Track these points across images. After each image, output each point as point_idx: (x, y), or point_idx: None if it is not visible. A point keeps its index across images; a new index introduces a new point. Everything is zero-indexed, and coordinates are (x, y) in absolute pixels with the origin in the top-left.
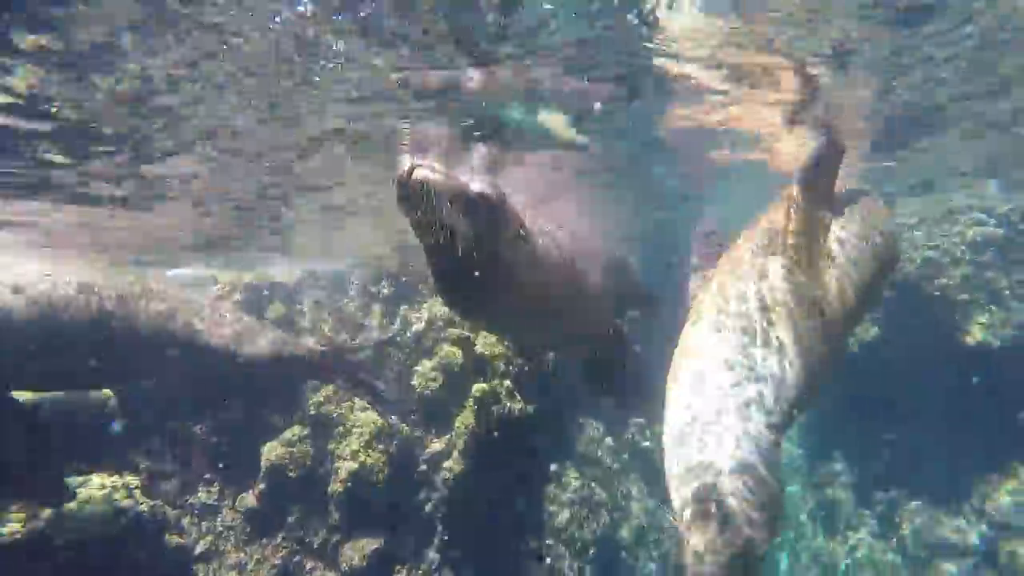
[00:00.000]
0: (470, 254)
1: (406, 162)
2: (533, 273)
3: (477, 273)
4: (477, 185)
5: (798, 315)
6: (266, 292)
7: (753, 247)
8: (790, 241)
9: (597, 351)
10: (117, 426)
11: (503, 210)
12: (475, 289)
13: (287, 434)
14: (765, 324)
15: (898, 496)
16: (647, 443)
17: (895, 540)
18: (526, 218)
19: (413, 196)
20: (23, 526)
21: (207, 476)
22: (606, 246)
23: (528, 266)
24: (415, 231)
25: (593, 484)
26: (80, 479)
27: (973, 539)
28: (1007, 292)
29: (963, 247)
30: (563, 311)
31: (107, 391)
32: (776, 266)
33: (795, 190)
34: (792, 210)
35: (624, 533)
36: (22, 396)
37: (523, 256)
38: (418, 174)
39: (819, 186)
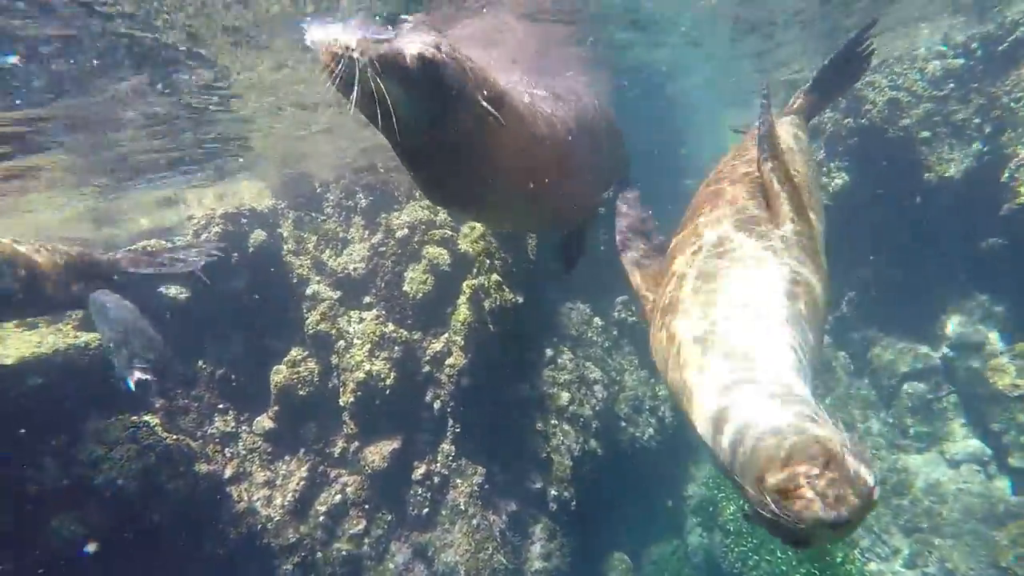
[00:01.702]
0: (423, 132)
1: (323, 32)
2: (514, 151)
3: (442, 154)
4: (415, 46)
5: (813, 269)
6: (244, 220)
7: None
8: (785, 209)
9: (578, 227)
10: None
11: (454, 75)
12: (445, 173)
13: (290, 356)
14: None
15: (869, 333)
16: (633, 318)
17: (869, 373)
18: (500, 81)
19: (336, 70)
20: (63, 471)
21: (220, 407)
22: (603, 110)
23: (507, 143)
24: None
25: (587, 363)
26: (104, 423)
27: (936, 361)
28: (966, 123)
29: (923, 83)
30: (552, 193)
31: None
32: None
33: (766, 168)
34: (776, 184)
35: (622, 406)
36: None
37: (497, 131)
38: (341, 41)
39: (778, 146)
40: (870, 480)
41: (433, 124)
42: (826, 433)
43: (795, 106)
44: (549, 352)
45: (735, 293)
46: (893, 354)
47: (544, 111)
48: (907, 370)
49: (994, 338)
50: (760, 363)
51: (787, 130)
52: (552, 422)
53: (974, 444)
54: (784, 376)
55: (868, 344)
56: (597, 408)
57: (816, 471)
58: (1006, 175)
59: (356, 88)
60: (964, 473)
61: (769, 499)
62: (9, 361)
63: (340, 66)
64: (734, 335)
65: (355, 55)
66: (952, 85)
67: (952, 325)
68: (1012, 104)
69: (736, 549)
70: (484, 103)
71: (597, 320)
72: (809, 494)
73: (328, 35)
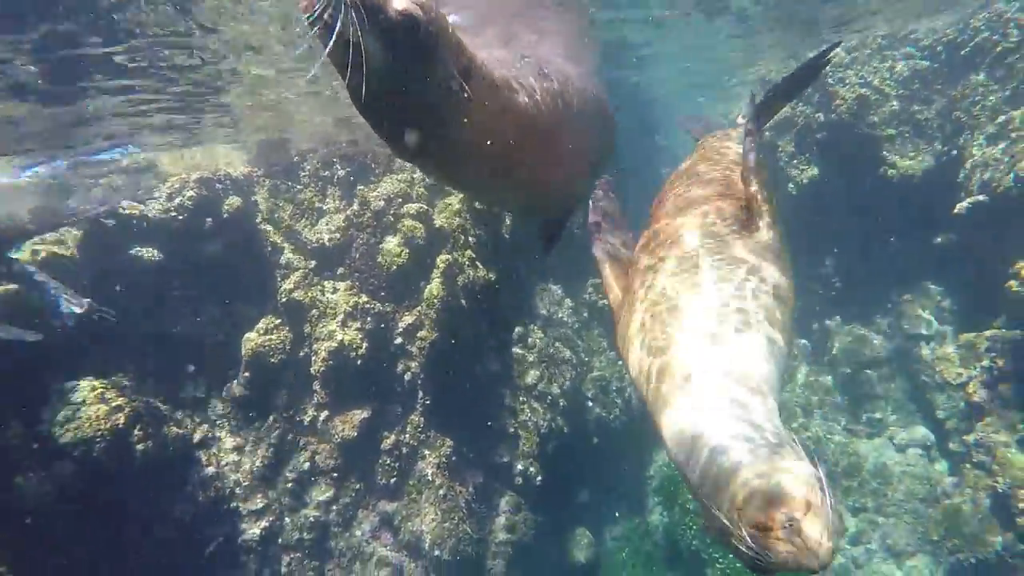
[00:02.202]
0: (389, 92)
1: None
2: (482, 124)
3: (405, 117)
4: (400, 1)
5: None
6: (219, 186)
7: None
8: (767, 218)
9: (561, 213)
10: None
11: (433, 37)
12: (406, 135)
13: (263, 323)
14: (775, 313)
15: (830, 322)
16: (603, 302)
17: (828, 362)
18: (477, 51)
19: (317, 10)
20: (25, 430)
21: (191, 371)
22: (595, 95)
23: (475, 116)
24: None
25: (557, 343)
26: (69, 384)
27: (890, 351)
28: (928, 123)
29: (892, 82)
30: (529, 174)
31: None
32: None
33: (752, 179)
34: (761, 194)
35: (589, 386)
36: None
37: (463, 102)
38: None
39: (763, 159)
40: (840, 534)
41: (400, 85)
42: (807, 478)
43: (744, 121)
44: (520, 330)
45: (711, 300)
46: (851, 343)
47: (526, 85)
48: (862, 359)
49: (944, 330)
50: (740, 382)
51: (737, 143)
52: (520, 399)
53: (920, 430)
54: (762, 400)
55: (828, 333)
56: (565, 387)
57: (798, 516)
58: (961, 175)
59: (334, 33)
60: (909, 457)
61: (745, 532)
62: None
63: (322, 6)
64: (712, 346)
65: None
66: (917, 85)
67: (907, 317)
68: (969, 107)
69: (695, 527)
70: (456, 73)
71: (568, 301)
72: (787, 539)
73: None
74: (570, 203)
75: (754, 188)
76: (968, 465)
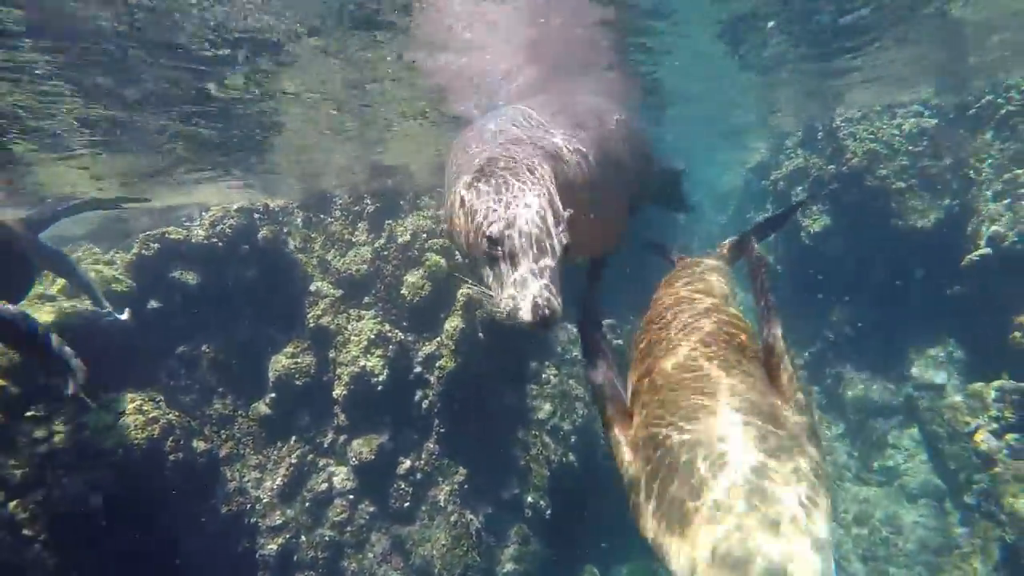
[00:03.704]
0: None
1: (526, 301)
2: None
3: None
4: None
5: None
6: (257, 216)
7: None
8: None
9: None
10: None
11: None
12: None
13: (290, 347)
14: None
15: (842, 370)
16: (618, 341)
17: (838, 409)
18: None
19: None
20: (72, 435)
21: (220, 390)
22: (631, 132)
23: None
24: None
25: (571, 380)
26: (113, 395)
27: (901, 400)
28: (937, 178)
29: (901, 138)
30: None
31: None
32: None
33: (781, 345)
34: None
35: (600, 424)
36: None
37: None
38: (554, 312)
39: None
40: None
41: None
42: None
43: (722, 252)
44: (534, 366)
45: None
46: (862, 391)
47: (572, 160)
48: (874, 407)
49: (954, 380)
50: None
51: (721, 275)
52: (533, 432)
53: (932, 480)
54: None
55: (840, 381)
56: (577, 424)
57: None
58: (969, 229)
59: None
60: (921, 507)
61: None
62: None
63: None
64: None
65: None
66: (926, 142)
67: (917, 366)
68: (977, 164)
69: None
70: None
71: None
72: None
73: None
74: (615, 241)
75: (783, 356)
76: (977, 515)
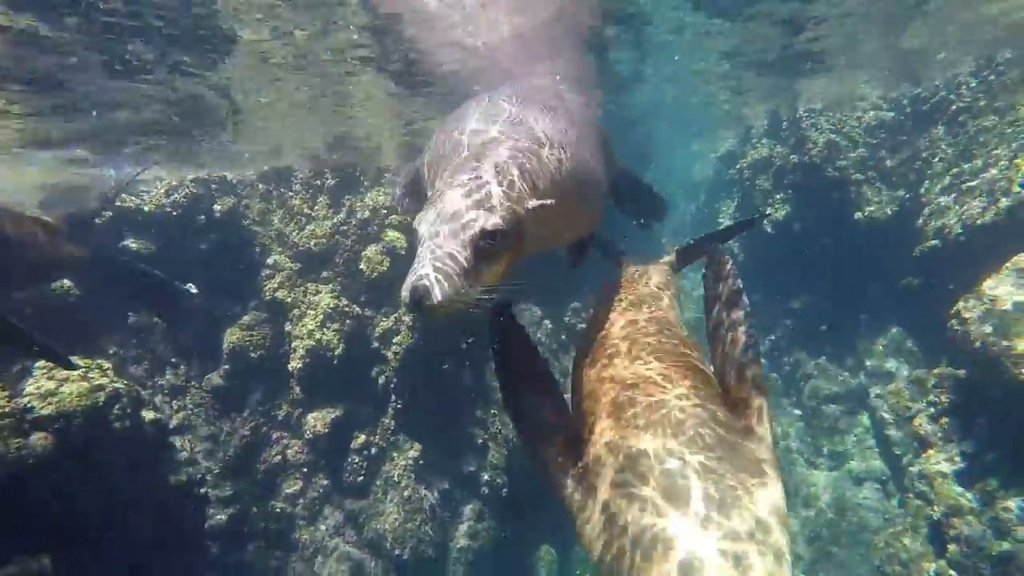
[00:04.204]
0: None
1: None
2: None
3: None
4: (485, 221)
5: None
6: (214, 186)
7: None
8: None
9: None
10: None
11: (514, 222)
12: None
13: (246, 319)
14: None
15: (799, 357)
16: (583, 325)
17: (795, 395)
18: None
19: (433, 317)
20: (7, 402)
21: (173, 360)
22: (589, 110)
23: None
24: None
25: None
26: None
27: (852, 387)
28: (893, 170)
29: (860, 130)
30: (565, 221)
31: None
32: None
33: (754, 376)
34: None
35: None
36: None
37: (547, 207)
38: (431, 299)
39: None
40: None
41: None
42: None
43: (668, 259)
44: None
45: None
46: (818, 378)
47: (555, 152)
48: (826, 393)
49: (903, 368)
50: None
51: (668, 288)
52: (492, 411)
53: (877, 464)
54: None
55: (796, 368)
56: None
57: None
58: (919, 221)
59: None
60: (866, 489)
61: None
62: None
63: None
64: None
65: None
66: (883, 135)
67: (871, 355)
68: (930, 158)
69: None
70: (532, 203)
71: (548, 323)
72: None
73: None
74: (595, 226)
75: (754, 392)
76: (911, 495)
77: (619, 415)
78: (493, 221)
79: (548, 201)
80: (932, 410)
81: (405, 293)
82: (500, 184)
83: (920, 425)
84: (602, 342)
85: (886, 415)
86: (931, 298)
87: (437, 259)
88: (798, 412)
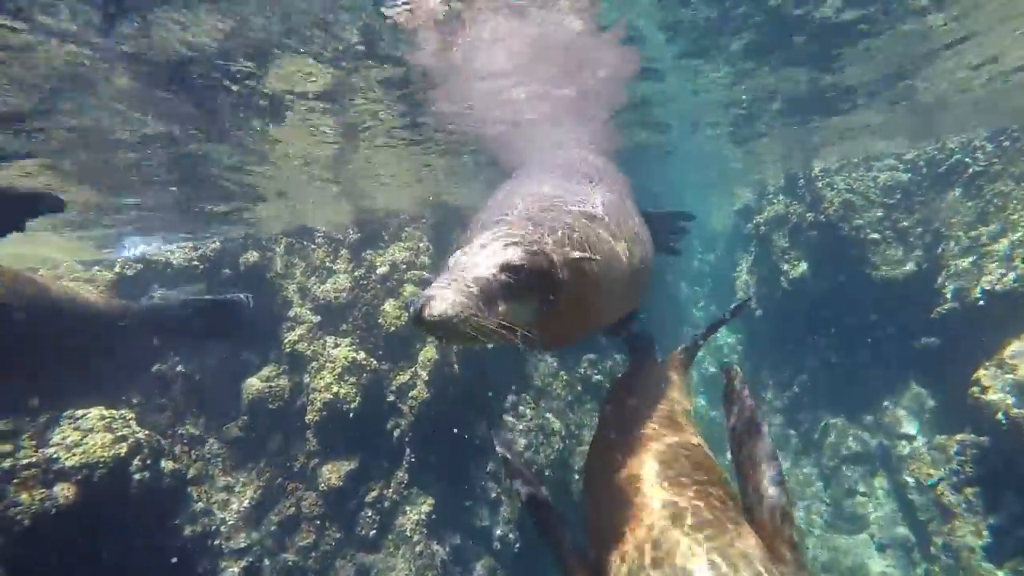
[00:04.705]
0: (540, 318)
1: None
2: (609, 276)
3: (558, 320)
4: (508, 254)
5: None
6: (240, 240)
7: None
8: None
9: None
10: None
11: (545, 263)
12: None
13: (265, 371)
14: None
15: (816, 415)
16: (599, 376)
17: (813, 455)
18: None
19: (438, 335)
20: (34, 451)
21: (193, 410)
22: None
23: (605, 275)
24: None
25: (548, 414)
26: (80, 412)
27: (872, 448)
28: (910, 231)
29: (876, 190)
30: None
31: None
32: None
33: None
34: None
35: (577, 459)
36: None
37: (597, 271)
38: (430, 316)
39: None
40: None
41: (543, 303)
42: None
43: (677, 360)
44: (512, 399)
45: None
46: (836, 438)
47: (608, 226)
48: (846, 453)
49: (924, 430)
50: None
51: (679, 381)
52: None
53: (900, 530)
54: None
55: (814, 426)
56: (552, 458)
57: None
58: (938, 282)
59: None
60: (889, 557)
61: None
62: None
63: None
64: None
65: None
66: (899, 195)
67: (889, 415)
68: (947, 220)
69: None
70: (573, 254)
71: (563, 374)
72: None
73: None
74: (642, 300)
75: (790, 542)
76: (937, 569)
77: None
78: (518, 254)
79: (594, 256)
80: (955, 479)
81: (412, 307)
82: (537, 231)
83: (943, 494)
84: (626, 468)
85: (908, 479)
86: (949, 360)
87: (454, 280)
88: (816, 471)
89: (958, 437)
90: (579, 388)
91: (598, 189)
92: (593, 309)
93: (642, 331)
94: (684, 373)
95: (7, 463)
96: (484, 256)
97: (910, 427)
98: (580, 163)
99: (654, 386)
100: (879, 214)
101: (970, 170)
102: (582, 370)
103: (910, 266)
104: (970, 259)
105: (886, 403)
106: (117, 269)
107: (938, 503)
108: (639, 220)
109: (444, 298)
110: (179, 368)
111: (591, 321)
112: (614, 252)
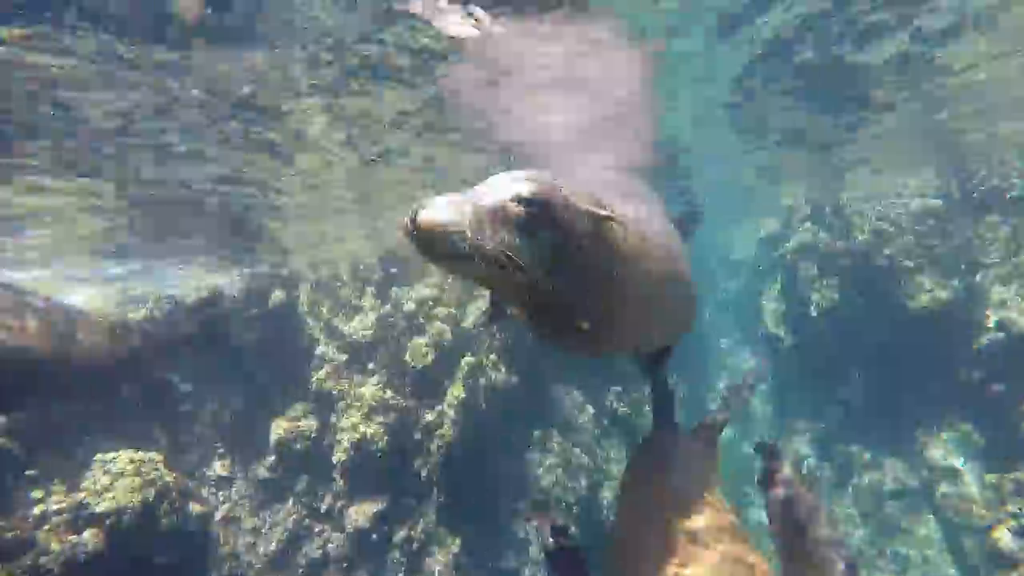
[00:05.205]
0: (549, 271)
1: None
2: (639, 265)
3: (577, 296)
4: (521, 185)
5: None
6: (268, 279)
7: None
8: None
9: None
10: None
11: (562, 204)
12: (585, 317)
13: (292, 411)
14: None
15: (852, 449)
16: (625, 409)
17: (850, 489)
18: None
19: (429, 247)
20: (64, 496)
21: (220, 450)
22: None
23: (633, 257)
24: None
25: (575, 449)
26: (110, 456)
27: (915, 484)
28: (944, 259)
29: (907, 218)
30: (667, 304)
31: None
32: None
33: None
34: None
35: (605, 493)
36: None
37: (623, 245)
38: (424, 219)
39: None
40: None
41: (556, 255)
42: None
43: (704, 434)
44: (538, 434)
45: None
46: (875, 473)
47: (646, 225)
48: (887, 489)
49: (970, 466)
50: None
51: (715, 470)
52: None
53: (947, 571)
54: None
55: (851, 460)
56: (580, 494)
57: None
58: (979, 311)
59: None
60: None
61: None
62: None
63: (432, 242)
64: None
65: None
66: (932, 223)
67: (932, 450)
68: (984, 247)
69: None
70: (595, 208)
71: (590, 408)
72: None
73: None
74: (687, 328)
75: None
76: None
77: None
78: (533, 187)
79: (619, 220)
80: (1014, 523)
81: (407, 218)
82: (561, 182)
83: (1001, 539)
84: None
85: (955, 519)
86: (996, 390)
87: (460, 199)
88: (854, 509)
89: (1012, 476)
90: (606, 422)
91: (632, 200)
92: (615, 289)
93: (671, 388)
94: (715, 451)
95: (38, 509)
96: (497, 184)
97: (955, 463)
98: (615, 181)
99: (693, 467)
100: (911, 241)
101: (1009, 195)
102: (608, 403)
103: (946, 294)
104: (1014, 287)
105: (926, 438)
106: (144, 312)
107: (993, 548)
108: (676, 235)
109: (438, 206)
110: (207, 407)
111: (610, 305)
112: (643, 245)
